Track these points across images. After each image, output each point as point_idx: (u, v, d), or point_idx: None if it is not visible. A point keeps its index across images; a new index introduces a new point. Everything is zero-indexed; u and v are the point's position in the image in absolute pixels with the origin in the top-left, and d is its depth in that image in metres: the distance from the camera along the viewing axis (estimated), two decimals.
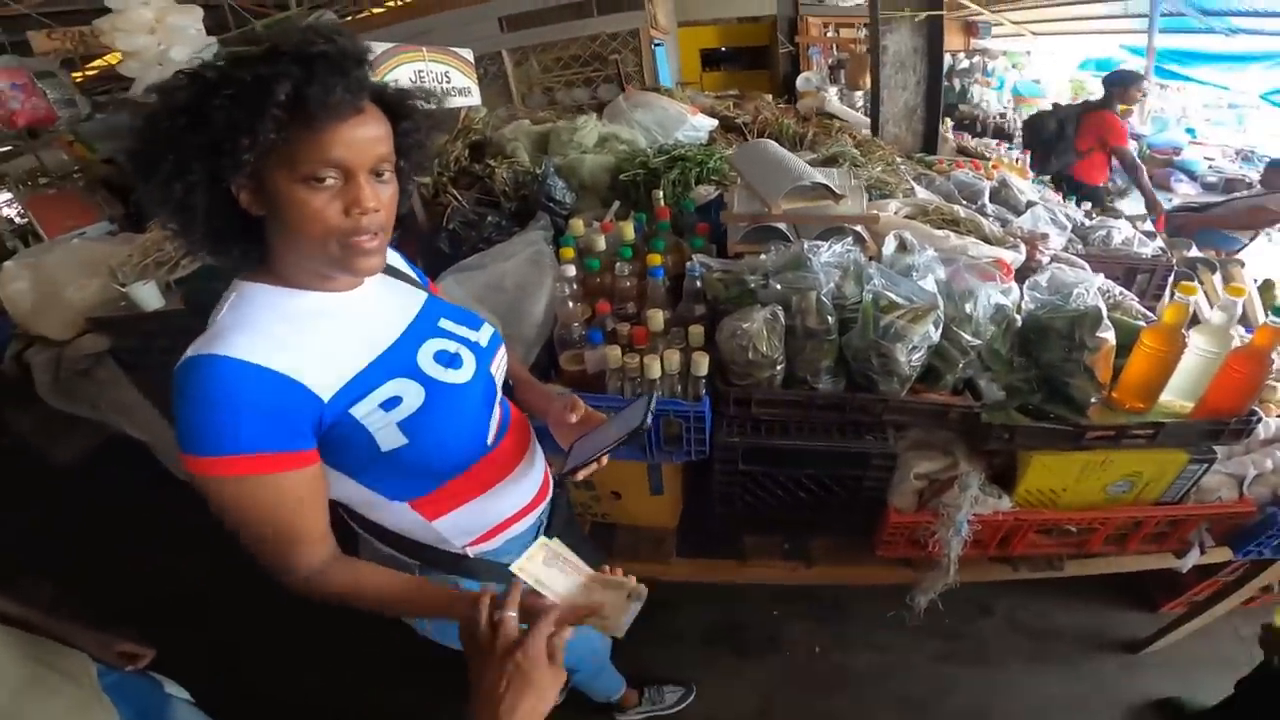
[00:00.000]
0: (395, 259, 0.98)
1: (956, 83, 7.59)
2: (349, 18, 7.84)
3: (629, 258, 1.54)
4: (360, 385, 0.75)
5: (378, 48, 1.90)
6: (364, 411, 0.75)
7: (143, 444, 2.65)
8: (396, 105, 0.76)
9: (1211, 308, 2.01)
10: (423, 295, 0.92)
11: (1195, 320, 1.66)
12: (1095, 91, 10.28)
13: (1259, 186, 4.40)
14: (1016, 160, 3.64)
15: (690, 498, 1.62)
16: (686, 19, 9.33)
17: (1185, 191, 5.98)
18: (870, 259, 1.51)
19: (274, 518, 0.71)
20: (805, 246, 1.44)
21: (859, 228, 1.61)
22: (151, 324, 2.39)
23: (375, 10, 9.02)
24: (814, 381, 1.36)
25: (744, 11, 9.29)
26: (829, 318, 1.32)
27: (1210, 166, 6.74)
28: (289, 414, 0.69)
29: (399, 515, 0.88)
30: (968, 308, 1.36)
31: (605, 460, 0.91)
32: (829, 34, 7.89)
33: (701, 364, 1.28)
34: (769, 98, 5.11)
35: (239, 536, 0.73)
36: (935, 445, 1.47)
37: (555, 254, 1.62)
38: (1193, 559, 1.56)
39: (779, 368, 1.34)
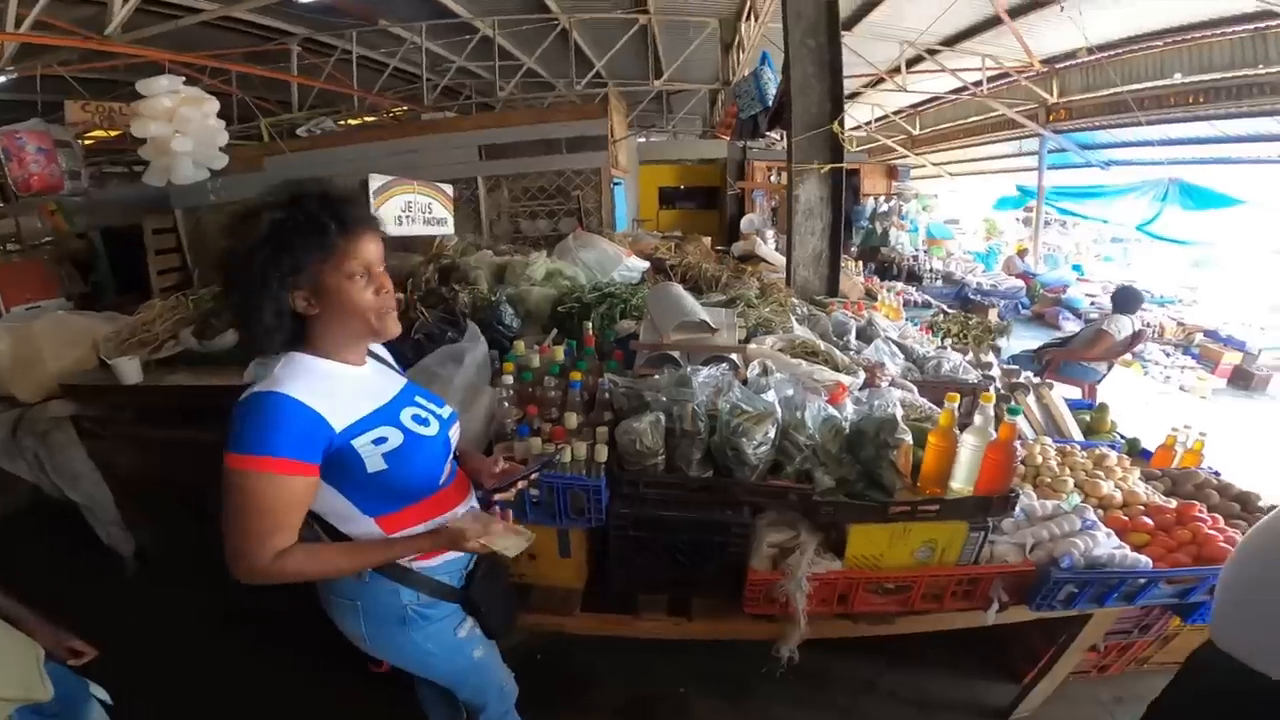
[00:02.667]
0: (384, 354, 1.42)
1: (878, 226, 8.65)
2: (341, 124, 8.82)
3: (556, 374, 2.11)
4: (362, 425, 1.16)
5: (377, 180, 2.49)
6: (361, 443, 1.15)
7: (66, 513, 2.92)
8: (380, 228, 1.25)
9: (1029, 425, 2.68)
10: (402, 380, 1.38)
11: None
12: (1007, 231, 11.69)
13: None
14: (895, 299, 4.30)
15: (597, 566, 2.05)
16: (650, 158, 10.62)
17: (1069, 329, 6.82)
18: (742, 380, 2.11)
19: (272, 509, 1.07)
20: (689, 370, 2.03)
21: (733, 356, 2.21)
22: (123, 397, 2.78)
23: (367, 119, 10.14)
24: (688, 469, 1.88)
25: (703, 154, 10.62)
26: (699, 423, 1.88)
27: (1092, 303, 7.67)
28: (312, 436, 1.09)
29: (365, 528, 1.22)
30: (800, 415, 1.93)
31: (520, 485, 1.40)
32: (773, 178, 9.00)
33: (602, 452, 1.82)
34: (706, 240, 5.96)
35: (234, 522, 1.07)
36: (785, 521, 1.97)
37: (498, 366, 2.17)
38: (993, 612, 1.95)
39: (660, 458, 1.87)
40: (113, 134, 6.75)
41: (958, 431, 1.79)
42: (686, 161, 10.73)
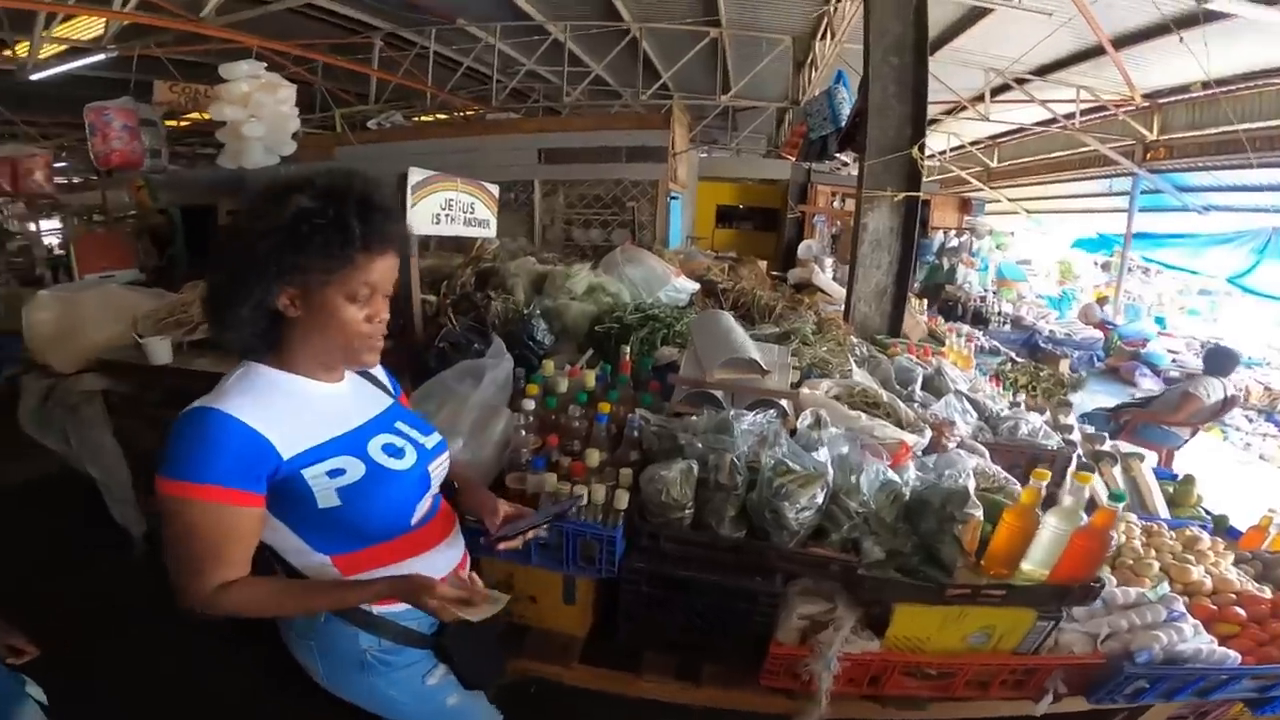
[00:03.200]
0: (377, 369, 1.28)
1: (945, 261, 8.25)
2: (413, 120, 8.99)
3: (583, 402, 1.92)
4: (315, 454, 1.03)
5: (417, 174, 2.37)
6: (313, 474, 1.02)
7: (87, 485, 2.91)
8: (399, 245, 1.11)
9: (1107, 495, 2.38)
10: (388, 401, 1.24)
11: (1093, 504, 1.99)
12: (1084, 275, 11.00)
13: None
14: (966, 346, 3.99)
15: (602, 614, 1.86)
16: (710, 174, 10.46)
17: (1148, 387, 6.33)
18: (791, 430, 1.89)
19: (210, 540, 0.96)
20: (731, 414, 1.83)
21: (783, 401, 1.99)
22: (152, 377, 2.74)
23: (439, 116, 10.38)
24: (718, 527, 1.67)
25: (764, 173, 10.36)
26: (738, 476, 1.67)
27: (1174, 360, 7.13)
28: (253, 462, 0.97)
29: (319, 569, 1.09)
30: (855, 479, 1.70)
31: (530, 535, 1.23)
32: (836, 204, 8.70)
33: (622, 499, 1.62)
34: (762, 264, 5.72)
35: (171, 550, 0.97)
36: (821, 592, 1.73)
37: (522, 386, 2.00)
38: (1045, 704, 1.73)
39: (688, 511, 1.67)
40: (199, 116, 7.03)
41: (1040, 512, 1.58)
42: (747, 181, 10.50)
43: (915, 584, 1.62)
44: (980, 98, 8.71)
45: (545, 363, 2.14)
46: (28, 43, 6.40)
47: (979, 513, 1.63)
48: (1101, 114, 8.83)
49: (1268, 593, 1.94)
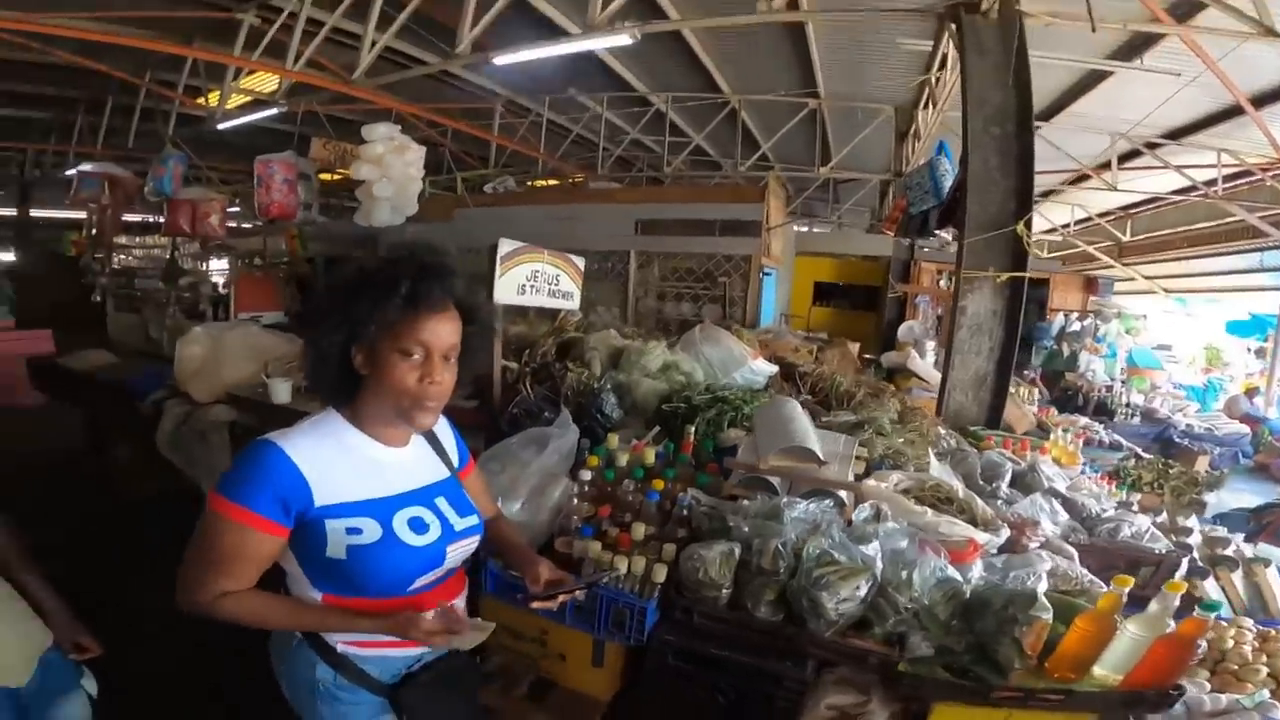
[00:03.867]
0: (448, 435, 1.38)
1: (1066, 347, 7.71)
2: (525, 185, 9.73)
3: (639, 477, 2.00)
4: (344, 509, 1.13)
5: (506, 245, 2.56)
6: (333, 526, 1.12)
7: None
8: (468, 311, 1.20)
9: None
10: (444, 473, 1.32)
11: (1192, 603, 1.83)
12: (1234, 363, 9.83)
13: None
14: (1072, 442, 3.72)
15: (628, 681, 1.86)
16: (808, 249, 10.43)
17: None
18: (847, 521, 1.87)
19: (232, 556, 1.08)
20: (784, 501, 1.84)
21: (842, 492, 1.98)
22: (272, 414, 3.04)
23: (547, 182, 11.18)
24: (754, 609, 1.68)
25: (866, 249, 10.07)
26: (781, 562, 1.67)
27: None
28: (290, 498, 1.09)
29: (310, 601, 1.18)
30: (907, 575, 1.65)
31: (563, 599, 1.30)
32: (941, 283, 8.36)
33: (660, 573, 1.68)
34: (854, 347, 5.61)
35: (191, 552, 1.10)
36: (856, 684, 1.67)
37: (585, 457, 2.11)
38: None
39: (725, 591, 1.69)
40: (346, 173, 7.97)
41: (1119, 619, 1.48)
42: (849, 256, 10.24)
43: (958, 683, 1.55)
44: (1106, 165, 8.33)
45: (610, 436, 2.25)
46: (218, 92, 7.53)
47: (1047, 615, 1.54)
48: (1247, 180, 8.21)
49: None
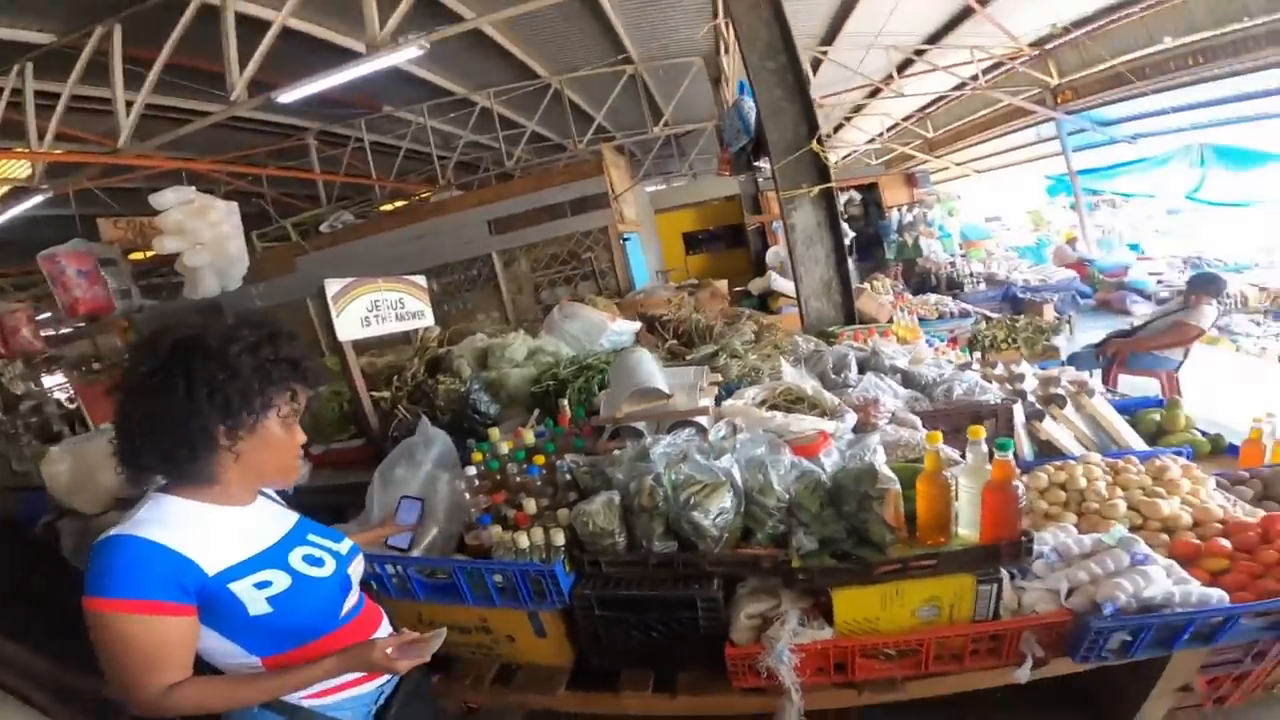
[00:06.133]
0: (272, 492, 1.41)
1: (908, 237, 8.49)
2: (364, 218, 9.43)
3: (521, 459, 2.19)
4: (240, 570, 1.15)
5: (335, 284, 2.60)
6: (240, 588, 1.14)
7: None
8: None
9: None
10: (294, 516, 1.37)
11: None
12: (1055, 220, 11.33)
13: (1181, 299, 4.83)
14: (910, 318, 4.15)
15: (583, 644, 2.04)
16: (666, 205, 10.83)
17: (1142, 312, 6.39)
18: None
19: (148, 648, 1.05)
20: (648, 441, 2.07)
21: (700, 418, 2.24)
22: None
23: (386, 208, 10.80)
24: (649, 545, 1.90)
25: (723, 191, 10.67)
26: (658, 496, 1.89)
27: (1159, 282, 7.19)
28: (174, 577, 1.07)
29: (250, 669, 1.18)
30: (763, 477, 1.89)
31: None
32: None
33: (558, 537, 1.88)
34: (722, 284, 5.98)
35: (108, 665, 1.06)
36: (767, 590, 1.92)
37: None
38: (1027, 670, 1.75)
39: (620, 537, 1.91)
40: (148, 254, 6.92)
41: (948, 475, 1.69)
42: (712, 202, 10.81)
43: (841, 567, 1.74)
44: (889, 77, 9.16)
45: (491, 430, 2.40)
46: None
47: (894, 485, 1.73)
48: (1003, 68, 9.33)
49: (1257, 517, 1.86)
